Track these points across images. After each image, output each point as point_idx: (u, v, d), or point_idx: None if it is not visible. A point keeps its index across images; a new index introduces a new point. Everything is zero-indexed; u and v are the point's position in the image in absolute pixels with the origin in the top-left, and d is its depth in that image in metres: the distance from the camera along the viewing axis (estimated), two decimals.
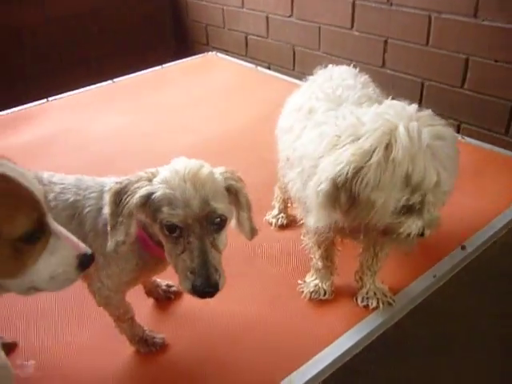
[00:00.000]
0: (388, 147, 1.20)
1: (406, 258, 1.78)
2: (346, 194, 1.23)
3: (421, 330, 1.95)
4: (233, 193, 1.21)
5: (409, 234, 1.27)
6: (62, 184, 1.34)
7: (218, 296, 1.18)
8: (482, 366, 1.90)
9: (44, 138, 2.74)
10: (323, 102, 1.53)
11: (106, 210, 1.19)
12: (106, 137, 2.74)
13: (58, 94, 3.24)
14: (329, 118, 1.44)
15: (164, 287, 1.68)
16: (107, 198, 1.19)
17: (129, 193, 1.15)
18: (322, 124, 1.44)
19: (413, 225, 1.26)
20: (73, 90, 3.29)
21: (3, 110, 3.04)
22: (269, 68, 3.64)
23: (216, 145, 2.59)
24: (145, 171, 1.20)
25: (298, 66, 3.46)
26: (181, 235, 1.12)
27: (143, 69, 3.57)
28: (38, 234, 1.00)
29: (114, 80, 3.41)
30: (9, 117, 2.99)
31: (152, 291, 1.68)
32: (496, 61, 2.50)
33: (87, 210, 1.30)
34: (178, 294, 1.69)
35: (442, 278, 1.73)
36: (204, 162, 1.22)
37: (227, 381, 1.42)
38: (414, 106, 1.32)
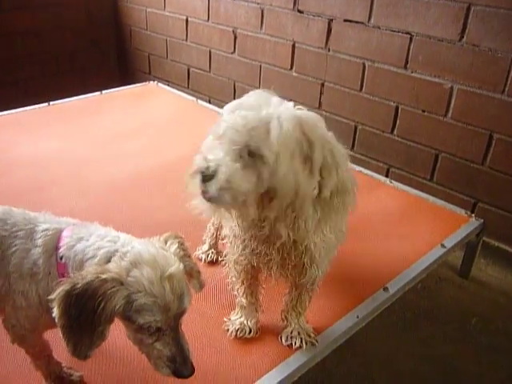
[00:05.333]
0: None
1: (330, 299, 1.82)
2: None
3: (343, 369, 1.99)
4: (187, 270, 1.22)
5: None
6: None
7: None
8: None
9: None
10: None
11: (57, 314, 1.07)
12: (35, 162, 2.65)
13: None
14: None
15: None
16: (57, 300, 1.07)
17: (99, 298, 1.05)
18: None
19: None
20: (4, 110, 3.19)
21: None
22: (209, 101, 3.68)
23: (148, 177, 2.58)
24: (104, 268, 1.09)
25: None
26: (156, 330, 1.13)
27: (83, 94, 3.52)
28: None
29: (51, 103, 3.33)
30: None
31: None
32: (423, 111, 2.65)
33: (13, 249, 1.23)
34: None
35: (364, 318, 1.78)
36: (162, 243, 1.22)
37: None
38: None
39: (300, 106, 1.30)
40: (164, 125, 3.15)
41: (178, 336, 1.16)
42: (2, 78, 3.76)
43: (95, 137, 2.98)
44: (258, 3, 3.18)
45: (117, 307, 1.07)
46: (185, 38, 3.74)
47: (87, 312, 1.06)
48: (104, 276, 1.06)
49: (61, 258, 1.21)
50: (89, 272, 1.09)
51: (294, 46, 3.08)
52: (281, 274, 1.49)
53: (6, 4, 3.63)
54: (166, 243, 1.24)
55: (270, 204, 1.27)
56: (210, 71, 3.67)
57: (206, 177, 1.21)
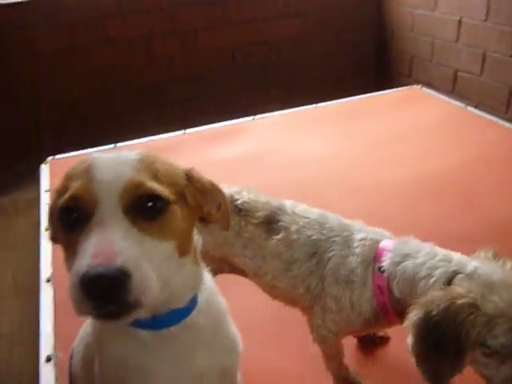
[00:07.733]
0: None
1: None
2: None
3: None
4: None
5: None
6: (307, 218, 1.35)
7: None
8: None
9: (252, 153, 2.89)
10: None
11: (412, 341, 1.07)
12: (310, 160, 2.78)
13: (261, 113, 3.41)
14: None
15: None
16: (411, 327, 1.06)
17: (460, 325, 1.01)
18: None
19: None
20: (276, 111, 3.43)
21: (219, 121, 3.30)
22: (475, 107, 3.42)
23: (417, 185, 2.49)
24: (457, 292, 1.05)
25: None
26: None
27: (342, 96, 3.59)
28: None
29: (316, 105, 3.47)
30: (222, 130, 3.21)
31: None
32: None
33: (331, 253, 1.28)
34: (383, 340, 1.62)
35: None
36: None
37: None
38: None
39: None
40: (430, 131, 3.02)
41: None
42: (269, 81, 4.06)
43: (359, 140, 3.00)
44: None
45: (480, 334, 1.02)
46: (455, 38, 3.53)
47: (448, 340, 1.03)
48: (460, 301, 1.02)
49: (381, 271, 1.20)
50: (439, 297, 1.05)
51: None
52: None
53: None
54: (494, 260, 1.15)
55: None
56: (480, 75, 3.40)
57: None
